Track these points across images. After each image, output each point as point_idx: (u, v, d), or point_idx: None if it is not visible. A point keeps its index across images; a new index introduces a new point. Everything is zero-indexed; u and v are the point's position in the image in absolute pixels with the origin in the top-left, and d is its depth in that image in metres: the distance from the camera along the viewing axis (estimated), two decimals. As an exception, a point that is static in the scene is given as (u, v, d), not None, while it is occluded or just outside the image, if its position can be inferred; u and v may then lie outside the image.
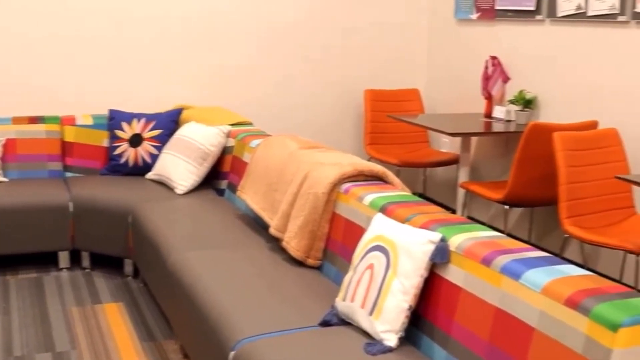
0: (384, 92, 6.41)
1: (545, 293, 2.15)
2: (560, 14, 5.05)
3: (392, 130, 6.36)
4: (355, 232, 3.25)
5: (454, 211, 5.89)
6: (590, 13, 4.81)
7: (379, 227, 2.86)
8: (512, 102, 5.33)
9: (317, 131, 6.41)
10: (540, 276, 2.22)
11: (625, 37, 4.59)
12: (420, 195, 6.66)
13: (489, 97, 5.61)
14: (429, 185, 6.68)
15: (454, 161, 5.91)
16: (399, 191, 3.32)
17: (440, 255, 2.59)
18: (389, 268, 2.67)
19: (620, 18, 4.58)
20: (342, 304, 2.86)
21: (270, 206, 3.88)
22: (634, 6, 4.48)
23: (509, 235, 5.55)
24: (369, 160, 6.12)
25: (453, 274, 2.55)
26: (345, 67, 6.42)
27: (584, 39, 4.90)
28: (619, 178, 3.65)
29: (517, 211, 5.55)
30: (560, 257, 4.46)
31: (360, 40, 6.44)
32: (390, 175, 3.55)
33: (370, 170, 3.52)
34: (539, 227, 5.34)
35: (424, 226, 2.79)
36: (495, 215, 5.76)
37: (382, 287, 2.67)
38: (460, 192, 5.30)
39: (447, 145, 6.31)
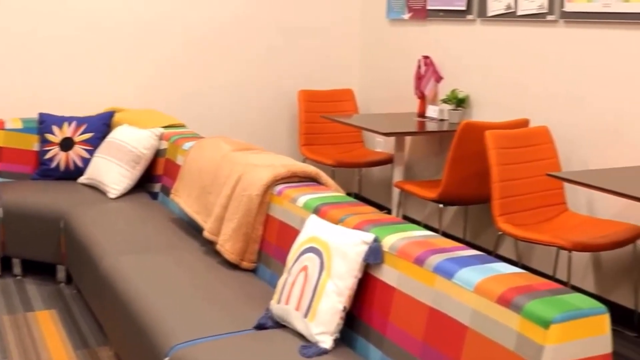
0: (318, 93, 6.41)
1: (478, 292, 2.16)
2: (490, 13, 5.11)
3: (326, 130, 6.36)
4: (289, 234, 3.23)
5: (389, 211, 5.91)
6: (519, 12, 4.87)
7: (313, 229, 2.85)
8: (444, 101, 5.37)
9: (251, 133, 6.38)
10: (472, 275, 2.23)
11: (554, 36, 4.66)
12: (356, 196, 6.68)
13: (422, 97, 5.64)
14: (364, 185, 6.70)
15: (388, 161, 5.93)
16: (332, 192, 3.31)
17: (374, 256, 2.59)
18: (323, 270, 2.66)
19: (549, 17, 4.65)
20: (277, 307, 2.85)
21: (204, 209, 3.84)
22: (562, 5, 4.54)
23: (444, 233, 5.60)
24: (304, 161, 6.12)
25: (387, 274, 2.55)
26: (279, 68, 6.41)
27: (514, 38, 4.96)
28: (551, 175, 3.69)
29: (452, 209, 5.59)
30: (494, 254, 4.51)
31: (294, 41, 6.43)
32: (324, 176, 3.54)
33: (304, 171, 3.51)
34: (474, 225, 5.39)
35: (357, 227, 2.78)
36: (431, 213, 5.80)
37: (316, 289, 2.66)
38: (395, 192, 5.32)
39: (382, 145, 6.33)
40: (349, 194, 6.66)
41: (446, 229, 5.65)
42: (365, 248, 2.60)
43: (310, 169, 3.54)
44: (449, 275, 2.28)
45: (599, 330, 2.01)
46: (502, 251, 5.12)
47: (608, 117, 4.34)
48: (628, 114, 4.23)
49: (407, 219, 5.95)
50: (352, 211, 2.97)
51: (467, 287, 2.20)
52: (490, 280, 2.18)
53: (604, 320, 2.02)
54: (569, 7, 4.50)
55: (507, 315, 2.05)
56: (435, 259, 2.37)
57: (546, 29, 4.71)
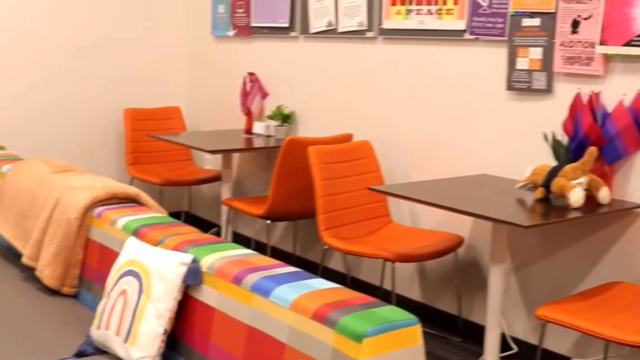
0: (144, 111, 6.32)
1: (294, 308, 2.17)
2: (312, 30, 5.17)
3: (154, 149, 6.27)
4: (109, 257, 3.15)
5: (219, 228, 5.88)
6: (340, 30, 4.96)
7: (131, 251, 2.79)
8: (270, 117, 5.40)
9: (77, 153, 6.20)
10: (288, 292, 2.23)
11: (373, 52, 4.77)
12: (186, 214, 6.61)
13: (248, 113, 5.65)
14: (194, 203, 6.64)
15: (218, 178, 5.90)
16: (153, 213, 3.26)
17: (193, 277, 2.56)
18: (142, 293, 2.60)
19: (369, 34, 4.75)
20: (97, 333, 2.77)
21: (23, 234, 3.70)
22: (380, 23, 4.66)
23: (274, 249, 5.61)
24: (131, 180, 6.01)
25: (206, 294, 2.52)
26: (104, 87, 6.27)
27: (337, 54, 5.04)
28: (372, 189, 3.77)
29: (282, 224, 5.61)
30: (322, 268, 4.55)
31: (119, 58, 6.31)
32: (145, 196, 3.48)
33: (124, 192, 3.44)
34: (303, 240, 5.43)
35: (176, 248, 2.74)
36: (260, 229, 5.81)
37: (135, 313, 2.60)
38: (224, 209, 5.29)
39: (211, 163, 6.30)
40: (179, 213, 6.59)
41: (276, 244, 5.67)
42: (184, 269, 2.56)
43: (131, 189, 3.47)
44: (265, 293, 2.28)
45: (411, 341, 2.05)
46: (331, 264, 5.18)
47: (427, 129, 4.47)
48: (444, 127, 4.37)
49: (237, 235, 5.94)
50: (172, 232, 2.93)
51: (284, 304, 2.21)
52: (306, 297, 2.19)
53: (416, 331, 2.07)
54: (387, 25, 4.62)
55: (322, 330, 2.06)
56: (252, 278, 2.37)
57: (366, 45, 4.82)
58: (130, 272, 2.71)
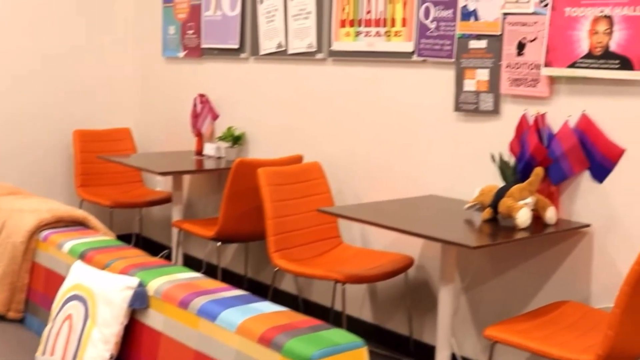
0: (94, 133, 6.27)
1: (240, 332, 2.16)
2: (263, 52, 5.18)
3: (105, 170, 6.22)
4: (56, 281, 3.12)
5: (170, 250, 5.84)
6: (290, 51, 4.97)
7: (77, 275, 2.76)
8: (221, 138, 5.38)
9: (26, 174, 6.13)
10: (235, 315, 2.22)
11: (323, 73, 4.78)
12: (137, 236, 6.56)
13: (199, 135, 5.63)
14: (145, 225, 6.59)
15: (169, 200, 5.86)
16: (100, 236, 3.23)
17: (139, 301, 2.54)
18: (88, 317, 2.58)
19: (318, 56, 4.77)
20: (42, 359, 2.73)
21: (-33, 258, 3.64)
22: (330, 44, 4.68)
23: (226, 271, 5.58)
24: (80, 202, 5.95)
25: (153, 319, 2.50)
26: (53, 107, 6.21)
27: (287, 75, 5.05)
28: (321, 211, 3.77)
29: (233, 246, 5.59)
30: (272, 289, 4.54)
31: (69, 79, 6.26)
32: (92, 219, 3.45)
33: (70, 215, 3.41)
34: (255, 261, 5.41)
35: (123, 271, 2.72)
36: (212, 251, 5.78)
37: (81, 338, 2.57)
38: (175, 231, 5.26)
39: (162, 184, 6.26)
40: (129, 235, 6.53)
41: (228, 266, 5.64)
42: (130, 293, 2.54)
43: (78, 212, 3.44)
44: (212, 317, 2.27)
45: (358, 364, 2.05)
46: (283, 285, 5.16)
47: (376, 150, 4.49)
48: (393, 147, 4.39)
49: (189, 257, 5.90)
50: (119, 255, 2.90)
51: (230, 328, 2.20)
52: (253, 321, 2.18)
53: (362, 354, 2.07)
54: (336, 46, 4.65)
55: (268, 354, 2.06)
56: (199, 302, 2.35)
57: (316, 66, 4.83)
58: (76, 297, 2.68)
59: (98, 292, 2.60)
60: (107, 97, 6.49)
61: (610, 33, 3.35)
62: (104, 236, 3.26)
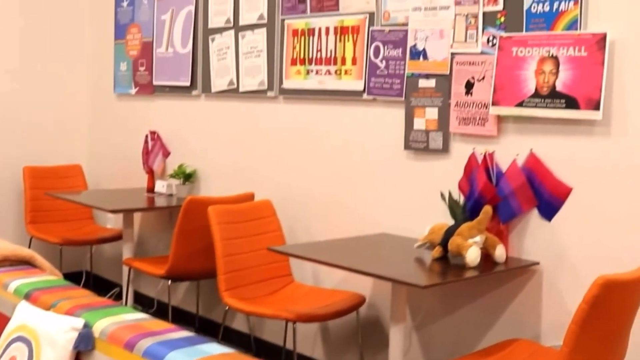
0: (44, 169, 6.21)
1: (185, 375, 2.13)
2: (214, 89, 5.18)
3: (55, 207, 6.14)
4: (0, 321, 3.05)
5: (121, 288, 5.77)
6: (242, 89, 4.98)
7: (22, 316, 2.71)
8: (172, 176, 5.36)
9: (-28, 212, 6.05)
10: (181, 358, 2.20)
11: (274, 111, 4.80)
12: (87, 273, 6.47)
13: (150, 172, 5.60)
14: (96, 263, 6.51)
15: (120, 237, 5.80)
16: (46, 276, 3.18)
17: (84, 343, 2.49)
18: (32, 360, 2.53)
19: (270, 93, 4.78)
20: (-15, 402, 2.67)
21: None
22: (281, 82, 4.69)
23: (176, 309, 5.53)
24: (30, 239, 5.88)
25: (98, 361, 2.46)
26: (3, 143, 6.14)
27: (238, 113, 5.06)
28: (272, 250, 3.76)
29: (184, 284, 5.54)
30: (223, 328, 4.50)
31: (19, 114, 6.20)
32: (39, 258, 3.39)
33: (16, 255, 3.35)
34: (206, 299, 5.37)
35: (68, 312, 2.68)
36: (163, 289, 5.72)
37: (25, 381, 2.52)
38: (125, 269, 5.21)
39: (113, 222, 6.20)
40: (80, 272, 6.45)
41: (179, 304, 5.59)
42: (75, 335, 2.50)
43: (24, 252, 3.38)
44: (158, 359, 2.24)
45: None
46: (234, 324, 5.12)
47: (327, 188, 4.50)
48: (344, 185, 4.40)
49: (140, 295, 5.84)
50: (65, 295, 2.86)
51: (176, 370, 2.17)
52: (198, 363, 2.16)
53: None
54: (287, 84, 4.66)
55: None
56: (145, 343, 2.32)
57: (267, 104, 4.84)
58: (20, 338, 2.63)
59: (42, 333, 2.55)
60: (58, 133, 6.44)
61: (556, 73, 3.40)
62: (50, 276, 3.20)
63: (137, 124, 5.95)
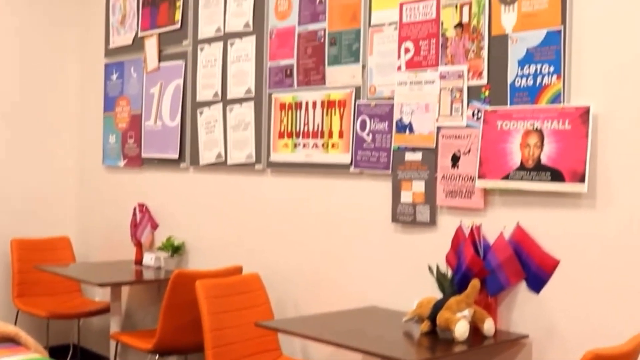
0: (32, 241, 6.18)
1: None
2: (202, 162, 5.20)
3: (43, 280, 6.11)
4: (-17, 402, 3.02)
5: (108, 362, 5.71)
6: (230, 162, 4.99)
7: (5, 398, 2.68)
8: (160, 248, 5.35)
9: (-41, 286, 6.01)
10: None
11: (262, 184, 4.81)
12: (74, 347, 6.41)
13: (138, 244, 5.59)
14: (84, 336, 6.45)
15: (107, 310, 5.75)
16: (31, 354, 3.16)
17: None
18: None
19: (257, 166, 4.80)
20: None
21: None
22: (268, 155, 4.71)
23: (165, 383, 5.47)
24: (17, 313, 5.83)
25: None
26: (-11, 217, 6.14)
27: (226, 186, 5.07)
28: (259, 325, 3.74)
29: (173, 358, 5.48)
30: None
31: (6, 186, 6.20)
32: (24, 335, 3.37)
33: (1, 332, 3.32)
34: (194, 373, 5.31)
35: (51, 394, 2.65)
36: (151, 363, 5.67)
37: None
38: (113, 343, 5.16)
39: (100, 294, 6.16)
40: (67, 346, 6.39)
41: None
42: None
43: (9, 328, 3.36)
44: None
45: None
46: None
47: (315, 262, 4.49)
48: (332, 259, 4.39)
49: (128, 370, 5.78)
50: (48, 376, 2.83)
51: None
52: None
53: None
54: (274, 157, 4.68)
55: None
56: None
57: (255, 177, 4.86)
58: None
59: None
60: (46, 205, 6.43)
61: (541, 146, 3.42)
62: (34, 354, 3.18)
63: (126, 196, 5.95)
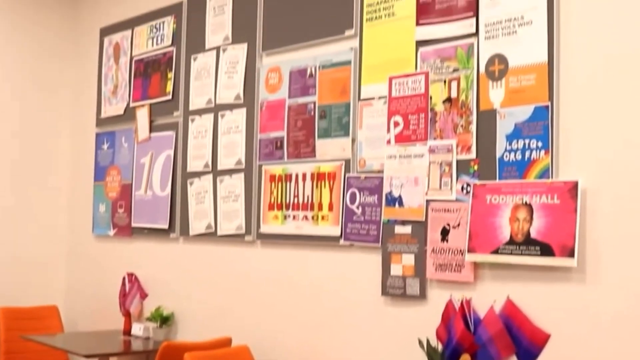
0: (20, 310, 6.13)
1: None
2: (192, 232, 5.20)
3: (30, 349, 6.03)
4: None
5: None
6: (220, 233, 5.00)
7: None
8: (149, 319, 5.31)
9: (-55, 356, 5.94)
10: None
11: (252, 255, 4.81)
12: (61, 419, 6.32)
13: (127, 314, 5.55)
14: (70, 407, 6.37)
15: (95, 380, 5.71)
16: None
17: None
18: None
19: (247, 238, 4.80)
20: None
21: None
22: (258, 227, 4.72)
23: None
24: (3, 385, 5.78)
25: None
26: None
27: (216, 257, 5.06)
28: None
29: None
30: None
31: (-6, 257, 6.19)
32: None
33: (-13, 410, 3.28)
34: None
35: None
36: None
37: None
38: (99, 416, 5.09)
39: (88, 364, 6.10)
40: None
41: None
42: None
43: (-5, 406, 3.32)
44: None
45: None
46: None
47: (304, 334, 4.46)
48: (321, 331, 4.37)
49: None
50: None
51: None
52: None
53: None
54: (264, 229, 4.69)
55: None
56: None
57: (244, 248, 4.86)
58: None
59: None
60: (35, 274, 6.41)
61: (530, 220, 3.43)
62: None
63: (115, 265, 5.93)
